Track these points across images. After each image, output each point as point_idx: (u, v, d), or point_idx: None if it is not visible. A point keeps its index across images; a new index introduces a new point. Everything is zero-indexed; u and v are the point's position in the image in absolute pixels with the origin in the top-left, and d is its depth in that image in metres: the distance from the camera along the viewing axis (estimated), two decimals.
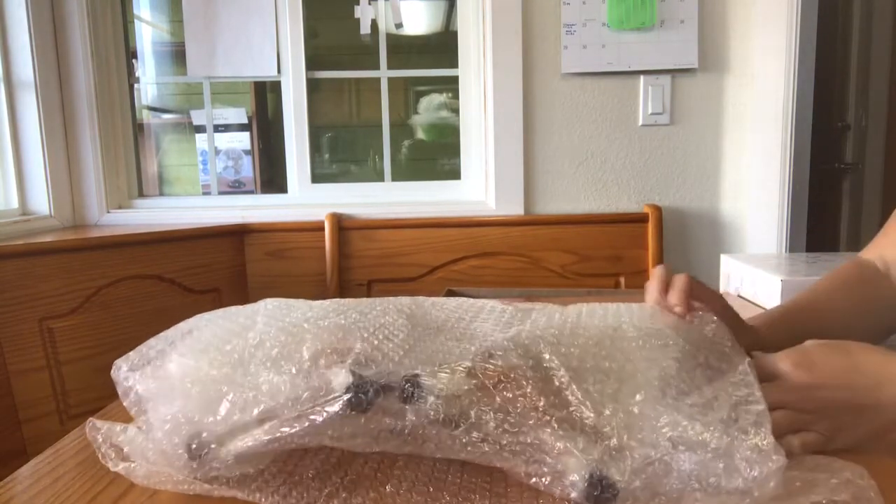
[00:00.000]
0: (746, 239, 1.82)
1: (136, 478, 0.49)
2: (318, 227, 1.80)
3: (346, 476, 0.50)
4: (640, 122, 1.82)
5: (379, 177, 2.00)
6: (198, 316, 0.58)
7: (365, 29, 1.91)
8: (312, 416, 0.45)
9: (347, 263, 1.81)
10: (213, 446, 0.47)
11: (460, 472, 0.50)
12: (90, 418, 0.53)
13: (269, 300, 0.59)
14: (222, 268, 1.77)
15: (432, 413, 0.45)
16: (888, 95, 2.33)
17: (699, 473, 0.42)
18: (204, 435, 0.47)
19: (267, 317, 0.55)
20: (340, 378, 0.46)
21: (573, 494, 0.44)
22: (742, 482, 0.41)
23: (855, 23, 2.34)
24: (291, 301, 0.59)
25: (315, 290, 1.80)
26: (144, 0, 1.99)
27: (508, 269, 1.81)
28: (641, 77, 1.79)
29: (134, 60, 1.97)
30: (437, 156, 2.08)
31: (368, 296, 1.82)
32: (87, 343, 1.50)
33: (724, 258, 1.25)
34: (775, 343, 0.59)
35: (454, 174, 1.97)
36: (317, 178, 1.96)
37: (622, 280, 1.82)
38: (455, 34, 1.90)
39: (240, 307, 0.59)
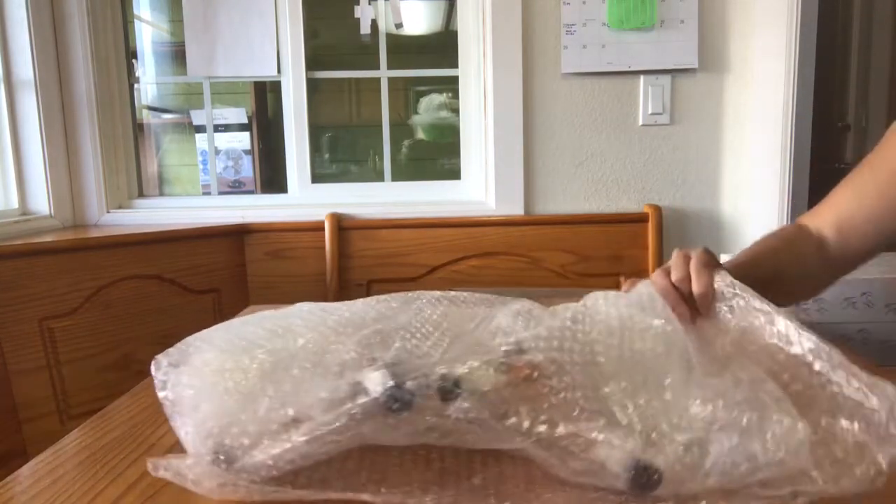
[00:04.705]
0: (746, 239, 1.82)
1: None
2: (318, 227, 1.80)
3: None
4: (640, 122, 1.82)
5: (379, 177, 2.00)
6: (236, 318, 0.58)
7: (365, 29, 1.91)
8: (352, 413, 0.45)
9: (347, 263, 1.81)
10: (245, 444, 0.46)
11: (499, 470, 0.50)
12: (149, 460, 0.51)
13: (303, 304, 0.60)
14: (222, 268, 1.77)
15: (470, 410, 0.46)
16: (888, 95, 2.33)
17: (735, 451, 0.43)
18: (232, 434, 0.46)
19: (305, 319, 0.56)
20: (378, 378, 0.46)
21: (619, 485, 0.44)
22: (773, 455, 0.42)
23: (855, 23, 2.34)
24: (326, 305, 0.60)
25: (315, 290, 1.80)
26: (144, 0, 1.99)
27: (508, 269, 1.81)
28: (641, 77, 1.79)
29: (134, 60, 1.96)
30: (437, 156, 2.08)
31: (368, 296, 1.82)
32: (87, 343, 1.50)
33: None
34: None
35: (454, 174, 1.97)
36: (317, 178, 1.96)
37: (622, 280, 1.81)
38: (455, 34, 1.90)
39: (276, 311, 0.59)
